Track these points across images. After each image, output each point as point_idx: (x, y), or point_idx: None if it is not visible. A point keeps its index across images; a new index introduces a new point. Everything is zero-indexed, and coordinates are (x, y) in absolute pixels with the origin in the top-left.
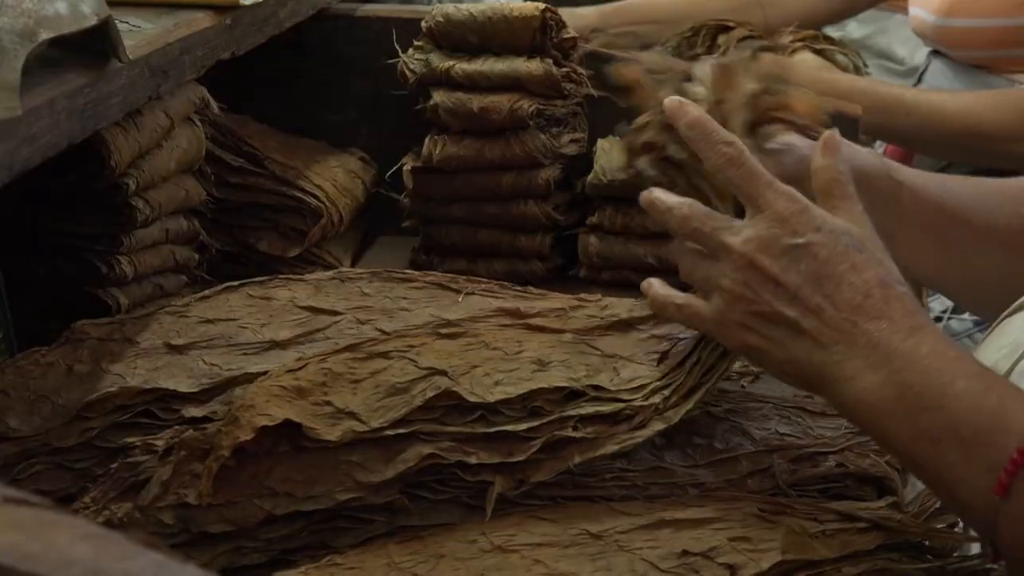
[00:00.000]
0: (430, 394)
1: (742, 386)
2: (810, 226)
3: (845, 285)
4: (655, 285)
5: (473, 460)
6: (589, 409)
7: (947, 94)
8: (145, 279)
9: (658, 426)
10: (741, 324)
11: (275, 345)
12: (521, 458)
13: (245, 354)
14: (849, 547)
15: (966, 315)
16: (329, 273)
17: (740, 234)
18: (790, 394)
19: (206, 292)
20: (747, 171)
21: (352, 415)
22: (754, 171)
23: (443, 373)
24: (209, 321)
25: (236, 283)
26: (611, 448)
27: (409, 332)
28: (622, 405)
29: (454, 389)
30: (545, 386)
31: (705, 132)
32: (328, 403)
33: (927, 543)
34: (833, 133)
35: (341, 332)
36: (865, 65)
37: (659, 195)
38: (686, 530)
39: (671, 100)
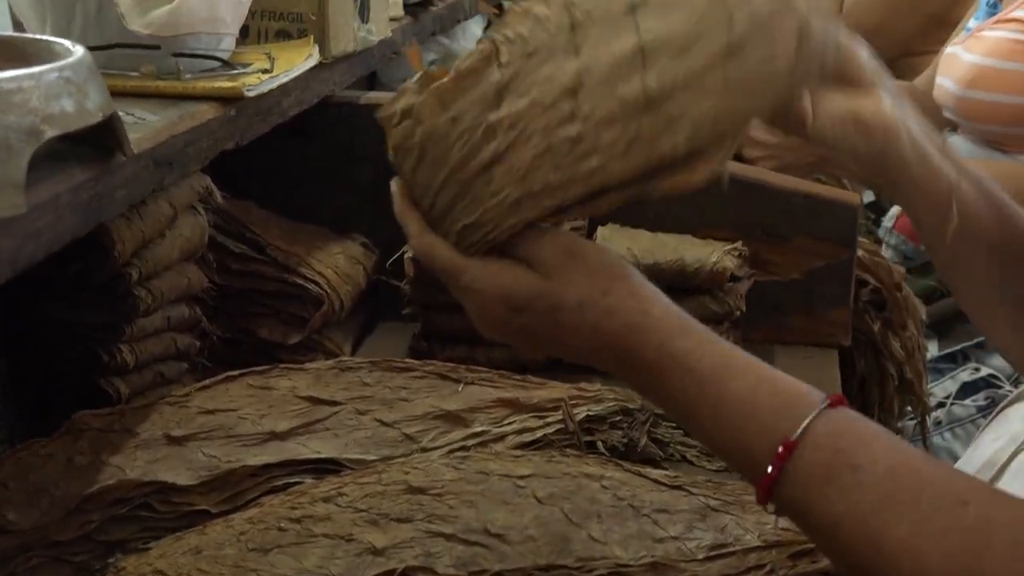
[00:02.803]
0: None
1: (741, 478)
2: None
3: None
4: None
5: None
6: None
7: None
8: (146, 367)
9: None
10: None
11: (274, 436)
12: None
13: (244, 445)
14: None
15: (968, 400)
16: (329, 362)
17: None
18: None
19: (206, 382)
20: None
21: None
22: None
23: None
24: (209, 412)
25: (236, 372)
26: None
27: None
28: None
29: None
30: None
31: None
32: None
33: None
34: None
35: (341, 423)
36: None
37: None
38: None
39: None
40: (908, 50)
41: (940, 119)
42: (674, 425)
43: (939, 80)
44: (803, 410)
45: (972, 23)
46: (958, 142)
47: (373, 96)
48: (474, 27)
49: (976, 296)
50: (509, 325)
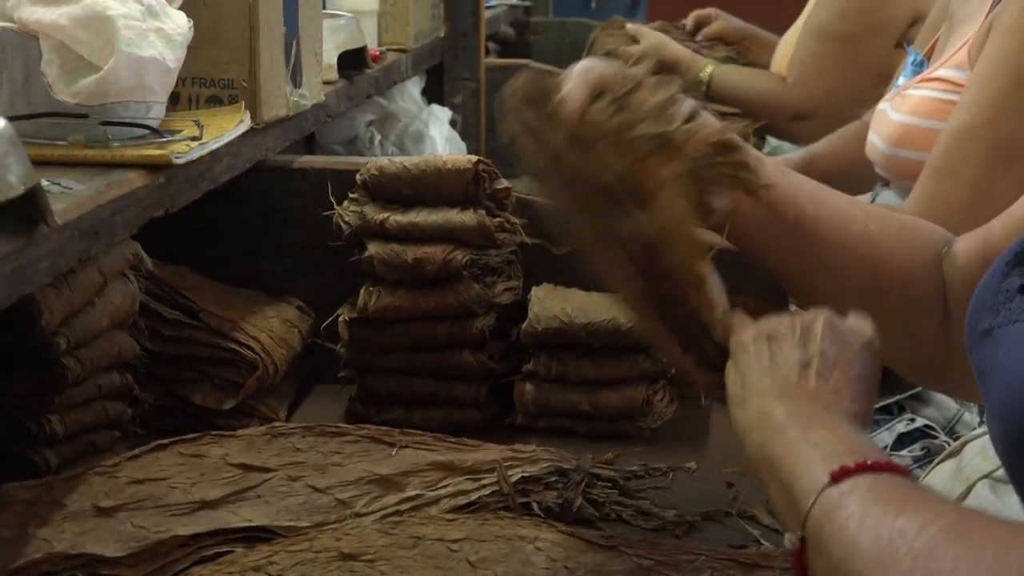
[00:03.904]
0: None
1: (677, 536)
2: None
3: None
4: None
5: None
6: None
7: None
8: (76, 437)
9: None
10: None
11: (205, 505)
12: None
13: (174, 515)
14: None
15: (905, 451)
16: (262, 428)
17: None
18: (723, 546)
19: (136, 451)
20: None
21: None
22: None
23: None
24: (139, 481)
25: (167, 441)
26: None
27: None
28: None
29: None
30: None
31: None
32: None
33: None
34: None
35: (273, 490)
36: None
37: None
38: None
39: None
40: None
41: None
42: (610, 485)
43: (870, 136)
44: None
45: (901, 80)
46: (890, 198)
47: (306, 160)
48: (412, 88)
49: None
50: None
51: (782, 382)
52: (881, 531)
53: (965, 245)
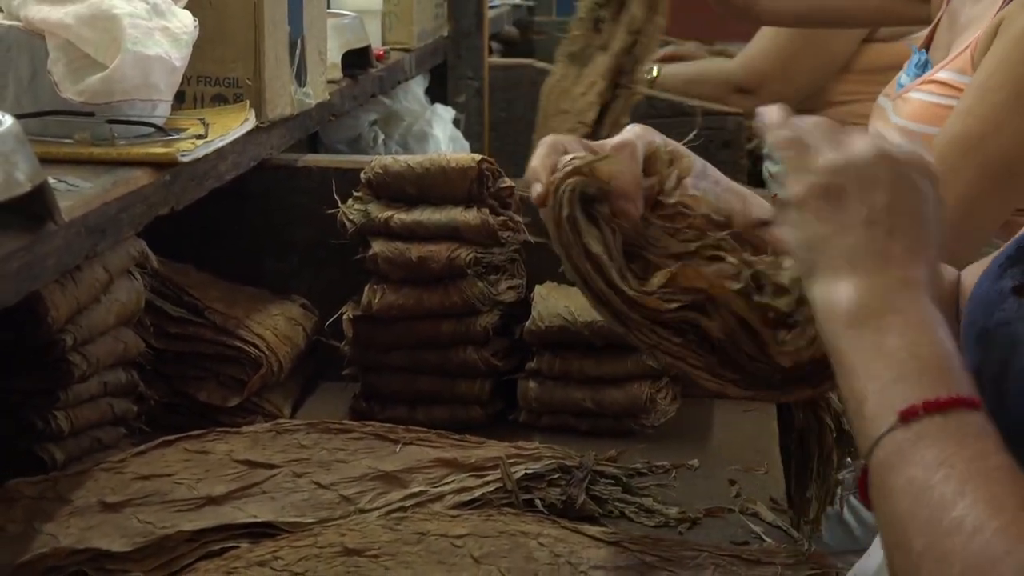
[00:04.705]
0: None
1: (679, 533)
2: None
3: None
4: None
5: None
6: None
7: None
8: (82, 433)
9: None
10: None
11: (210, 501)
12: None
13: (180, 511)
14: None
15: None
16: (267, 425)
17: None
18: (726, 543)
19: (142, 447)
20: None
21: None
22: None
23: None
24: (144, 477)
25: (172, 437)
26: None
27: None
28: None
29: None
30: None
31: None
32: None
33: None
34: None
35: (278, 486)
36: None
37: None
38: None
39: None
40: (816, 101)
41: None
42: (613, 482)
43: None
44: None
45: (904, 78)
46: None
47: (311, 159)
48: (415, 87)
49: None
50: None
51: (849, 250)
52: (930, 500)
53: (972, 274)
